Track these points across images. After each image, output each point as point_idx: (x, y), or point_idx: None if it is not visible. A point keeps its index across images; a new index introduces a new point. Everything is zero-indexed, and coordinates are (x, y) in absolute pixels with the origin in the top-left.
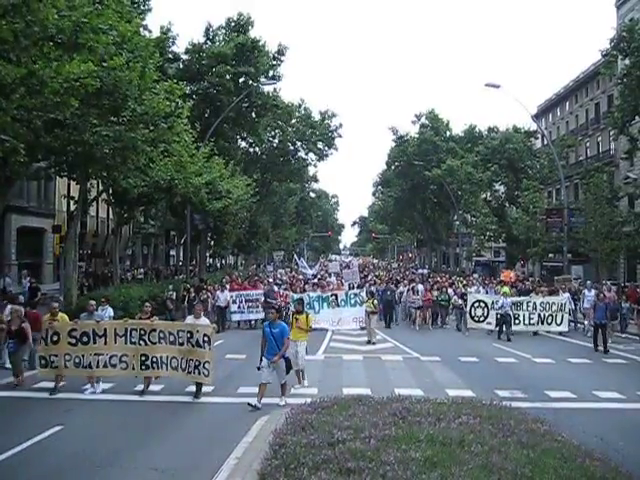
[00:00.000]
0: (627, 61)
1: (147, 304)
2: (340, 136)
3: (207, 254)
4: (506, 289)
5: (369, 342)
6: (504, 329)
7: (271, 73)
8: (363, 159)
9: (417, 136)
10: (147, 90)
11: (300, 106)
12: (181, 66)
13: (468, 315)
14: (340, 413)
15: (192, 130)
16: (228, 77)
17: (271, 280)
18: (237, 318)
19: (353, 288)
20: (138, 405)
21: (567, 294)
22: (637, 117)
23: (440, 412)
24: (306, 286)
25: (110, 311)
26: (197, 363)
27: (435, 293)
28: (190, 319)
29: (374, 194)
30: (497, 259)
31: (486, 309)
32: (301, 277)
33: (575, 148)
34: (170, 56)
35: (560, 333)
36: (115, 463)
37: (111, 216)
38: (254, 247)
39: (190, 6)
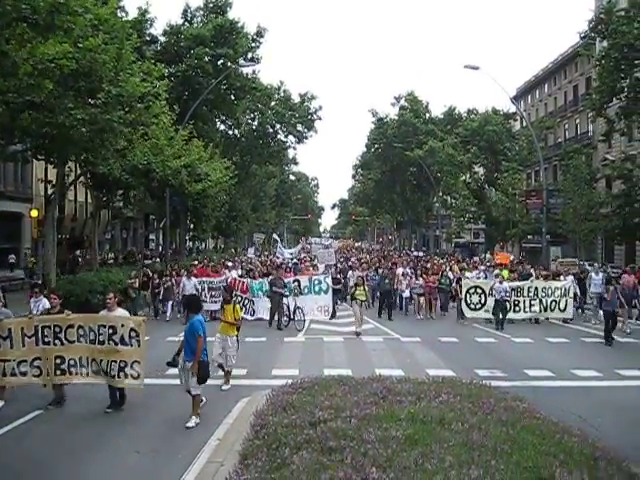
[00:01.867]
0: (605, 43)
1: (110, 295)
2: (320, 118)
3: (187, 238)
4: (505, 272)
5: (357, 334)
6: (500, 317)
7: (250, 55)
8: (343, 141)
9: (397, 118)
10: (123, 71)
11: (279, 88)
12: (159, 48)
13: (464, 302)
14: (321, 393)
15: (170, 112)
16: (206, 59)
17: (230, 264)
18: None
19: (330, 269)
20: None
21: (570, 277)
22: (615, 99)
23: (420, 391)
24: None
25: (45, 303)
26: (123, 364)
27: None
28: (103, 312)
29: (354, 177)
30: (476, 240)
31: (483, 296)
32: (279, 260)
33: (554, 130)
34: (147, 38)
35: (564, 320)
36: (96, 447)
37: (89, 200)
38: (234, 230)
39: None
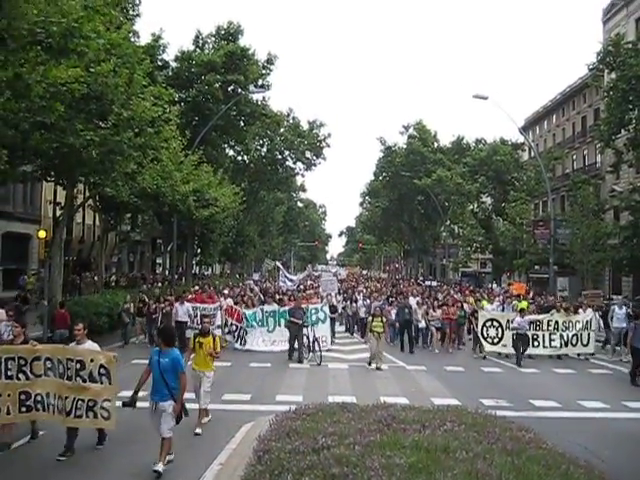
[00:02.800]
0: (613, 75)
1: (79, 325)
2: (328, 146)
3: (193, 262)
4: (524, 304)
5: (378, 368)
6: (520, 352)
7: (260, 82)
8: (351, 169)
9: (405, 147)
10: (135, 95)
11: (289, 115)
12: (170, 73)
13: (480, 336)
14: (325, 420)
15: (181, 137)
16: (217, 85)
17: (226, 292)
18: (190, 335)
19: (332, 297)
20: (120, 411)
21: (589, 310)
22: (623, 130)
23: (425, 419)
24: (284, 297)
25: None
26: (92, 403)
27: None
28: (72, 345)
29: (361, 204)
30: (483, 270)
31: (500, 329)
32: (285, 288)
33: (562, 161)
34: (160, 63)
35: (584, 356)
36: (98, 467)
37: (97, 223)
38: (241, 256)
39: (180, 13)
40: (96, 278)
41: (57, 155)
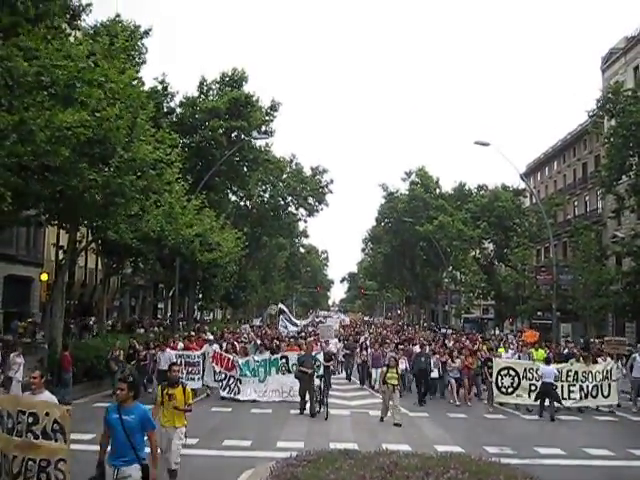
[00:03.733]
0: (613, 122)
1: (35, 373)
2: (331, 192)
3: (195, 307)
4: (541, 353)
5: (397, 424)
6: (547, 404)
7: (263, 128)
8: (353, 215)
9: (407, 193)
10: (137, 139)
11: (291, 161)
12: (175, 119)
13: (494, 386)
14: (326, 467)
15: (183, 182)
16: (221, 131)
17: (211, 337)
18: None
19: (330, 345)
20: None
21: (609, 359)
22: (624, 176)
23: (428, 466)
24: (282, 344)
25: None
26: (45, 464)
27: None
28: (27, 394)
29: (363, 250)
30: (486, 316)
31: (516, 378)
32: (285, 333)
33: (563, 207)
34: (165, 110)
35: (609, 409)
36: None
37: (99, 267)
38: (242, 301)
39: (185, 60)
40: (92, 322)
41: (60, 198)
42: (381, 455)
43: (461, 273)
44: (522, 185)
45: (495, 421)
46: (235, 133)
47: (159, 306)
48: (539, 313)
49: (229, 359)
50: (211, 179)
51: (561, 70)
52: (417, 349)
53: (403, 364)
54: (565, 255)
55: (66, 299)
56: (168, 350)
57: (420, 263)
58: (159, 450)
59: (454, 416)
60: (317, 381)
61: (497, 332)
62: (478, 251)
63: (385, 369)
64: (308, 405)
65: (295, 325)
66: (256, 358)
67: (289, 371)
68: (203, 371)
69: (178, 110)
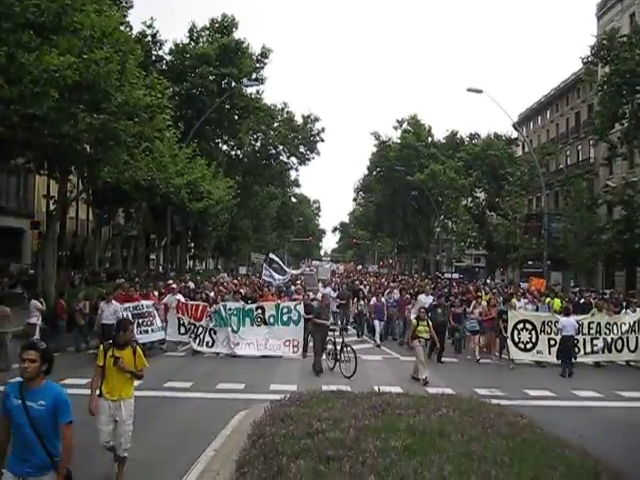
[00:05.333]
0: (607, 69)
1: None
2: (322, 140)
3: (187, 257)
4: (557, 302)
5: (425, 380)
6: (569, 360)
7: (254, 75)
8: (345, 164)
9: (399, 141)
10: (127, 83)
11: (283, 109)
12: (164, 67)
13: (510, 341)
14: (319, 405)
15: (175, 129)
16: (211, 78)
17: (175, 286)
18: None
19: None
20: None
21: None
22: (617, 124)
23: (420, 405)
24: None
25: None
26: None
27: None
28: None
29: (355, 200)
30: (477, 264)
31: (534, 332)
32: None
33: (555, 156)
34: (154, 58)
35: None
36: (89, 456)
37: (91, 218)
38: (234, 251)
39: (174, 7)
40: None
41: (50, 146)
42: (373, 395)
43: (452, 222)
44: (514, 134)
45: (486, 365)
46: (225, 80)
47: (151, 257)
48: (530, 262)
49: (197, 307)
50: (202, 127)
51: (556, 17)
52: (424, 299)
53: (414, 315)
54: (557, 205)
55: (58, 250)
56: (114, 302)
57: (412, 212)
58: (112, 425)
59: (445, 360)
60: (331, 335)
61: (489, 281)
62: (470, 200)
63: (415, 322)
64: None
65: (283, 274)
66: (228, 306)
67: (265, 323)
68: (166, 323)
69: (167, 58)
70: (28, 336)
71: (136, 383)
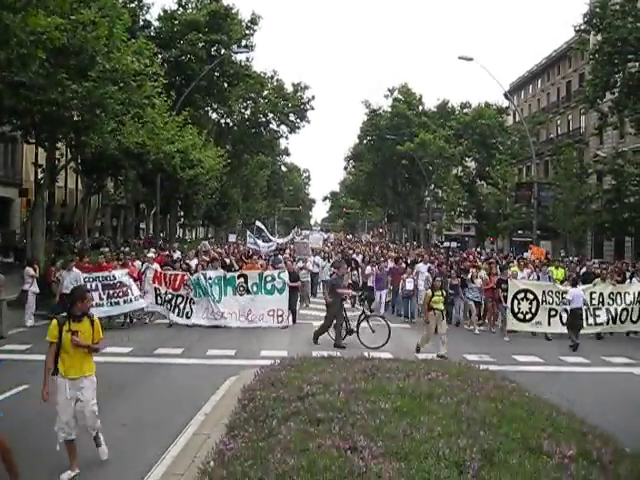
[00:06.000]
0: (599, 37)
1: None
2: (312, 108)
3: (177, 226)
4: (560, 272)
5: (442, 356)
6: (577, 333)
7: (244, 42)
8: (335, 133)
9: (390, 110)
10: (115, 49)
11: (272, 77)
12: (152, 33)
13: (509, 312)
14: (309, 370)
15: (165, 97)
16: (200, 45)
17: (152, 255)
18: (99, 315)
19: (308, 263)
20: (106, 366)
21: None
22: (608, 93)
23: (409, 369)
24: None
25: None
26: None
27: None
28: None
29: (345, 168)
30: (467, 233)
31: (535, 303)
32: (265, 251)
33: (546, 125)
34: (142, 23)
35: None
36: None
37: (80, 187)
38: (224, 219)
39: None
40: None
41: (37, 113)
42: (363, 360)
43: (443, 191)
44: (505, 103)
45: (478, 334)
46: (215, 47)
47: (141, 226)
48: (519, 231)
49: (175, 277)
50: (191, 95)
51: None
52: (421, 268)
53: (411, 284)
54: (547, 174)
55: (47, 219)
56: (75, 269)
57: (402, 181)
58: (71, 412)
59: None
60: (348, 303)
61: (487, 250)
62: (460, 169)
63: (429, 292)
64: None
65: (268, 241)
66: (208, 275)
67: (248, 292)
68: (144, 293)
69: (156, 24)
70: (23, 303)
71: (126, 350)
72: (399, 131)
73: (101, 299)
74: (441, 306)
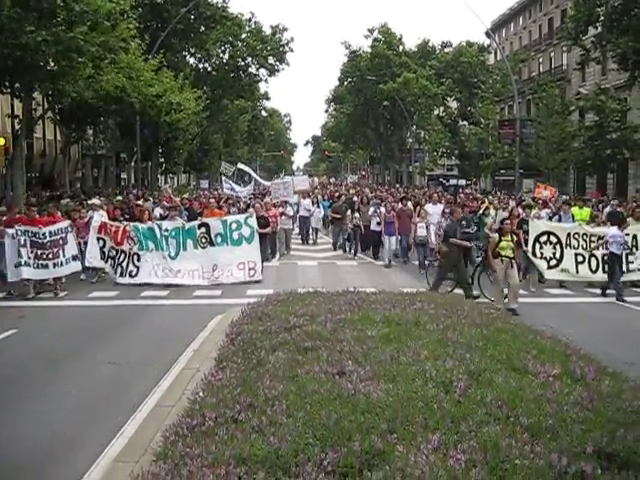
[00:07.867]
0: None
1: None
2: (292, 50)
3: (158, 173)
4: (586, 212)
5: (512, 310)
6: (612, 278)
7: None
8: (315, 76)
9: (370, 51)
10: None
11: (250, 20)
12: None
13: (532, 256)
14: (296, 303)
15: (140, 40)
16: None
17: (97, 202)
18: (27, 275)
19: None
20: (93, 310)
21: None
22: (590, 28)
23: (395, 301)
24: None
25: None
26: None
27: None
28: None
29: (327, 111)
30: (450, 173)
31: (558, 247)
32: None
33: (528, 63)
34: None
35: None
36: (72, 359)
37: (59, 137)
38: (206, 165)
39: None
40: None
41: (9, 57)
42: (349, 293)
43: (425, 132)
44: (487, 42)
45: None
46: None
47: (122, 176)
48: (502, 170)
49: (118, 228)
50: (167, 39)
51: None
52: (430, 209)
53: (423, 230)
54: (529, 112)
55: (26, 172)
56: None
57: (384, 123)
58: None
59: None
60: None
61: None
62: (442, 109)
63: (496, 236)
64: None
65: (245, 185)
66: (164, 227)
67: (212, 244)
68: (83, 253)
69: None
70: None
71: (112, 294)
72: (380, 72)
73: (29, 258)
74: (510, 253)
